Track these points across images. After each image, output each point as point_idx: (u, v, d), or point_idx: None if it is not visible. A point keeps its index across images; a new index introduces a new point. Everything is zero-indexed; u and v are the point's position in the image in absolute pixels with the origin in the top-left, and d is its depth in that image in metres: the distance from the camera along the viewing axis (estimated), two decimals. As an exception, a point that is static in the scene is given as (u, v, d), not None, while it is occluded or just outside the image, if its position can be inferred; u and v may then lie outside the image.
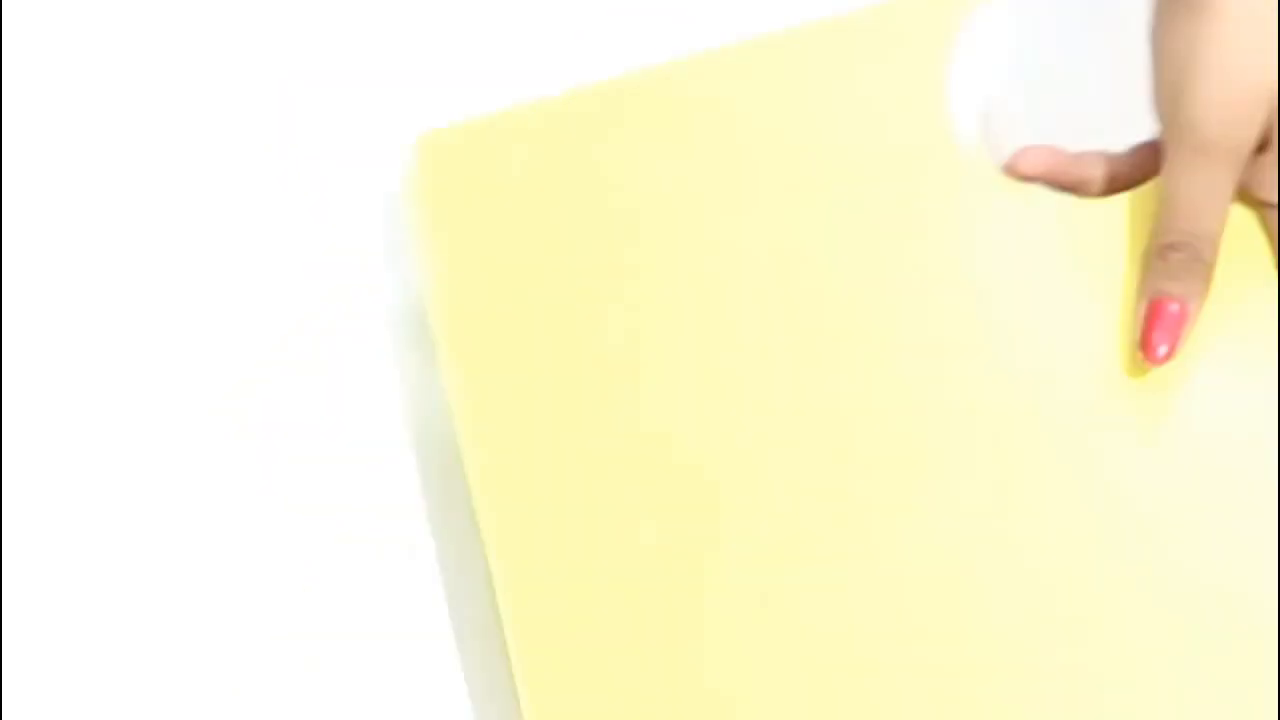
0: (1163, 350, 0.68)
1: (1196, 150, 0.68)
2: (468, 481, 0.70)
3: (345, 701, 0.72)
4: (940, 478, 0.68)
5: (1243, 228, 0.69)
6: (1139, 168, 0.72)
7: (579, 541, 0.68)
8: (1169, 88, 0.69)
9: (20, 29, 0.76)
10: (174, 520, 0.73)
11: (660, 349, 0.70)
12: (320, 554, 0.73)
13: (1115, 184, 0.72)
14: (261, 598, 0.72)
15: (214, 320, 0.74)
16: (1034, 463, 0.68)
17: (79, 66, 0.77)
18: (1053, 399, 0.69)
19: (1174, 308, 0.68)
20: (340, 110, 0.77)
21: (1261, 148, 0.68)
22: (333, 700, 0.72)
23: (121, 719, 0.72)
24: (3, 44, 0.76)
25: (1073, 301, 0.70)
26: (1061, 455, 0.68)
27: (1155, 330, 0.68)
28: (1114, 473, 0.68)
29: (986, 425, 0.68)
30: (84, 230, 0.75)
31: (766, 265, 0.71)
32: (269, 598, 0.72)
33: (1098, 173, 0.72)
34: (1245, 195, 0.69)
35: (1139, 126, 0.71)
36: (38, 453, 0.73)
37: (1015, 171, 0.72)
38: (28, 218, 0.75)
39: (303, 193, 0.77)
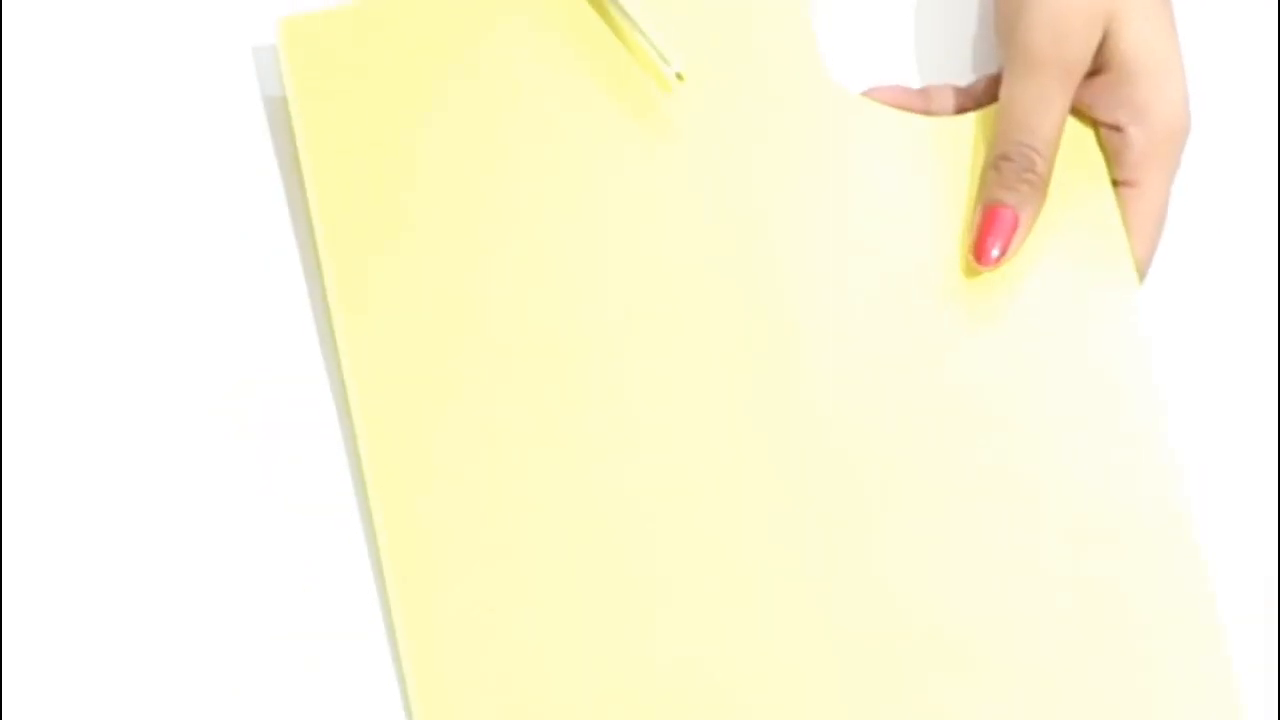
0: (995, 252, 0.72)
1: (1029, 66, 0.72)
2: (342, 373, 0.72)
3: (346, 701, 0.72)
4: (793, 379, 0.72)
5: (1082, 145, 0.74)
6: (986, 98, 0.75)
7: (453, 434, 0.72)
8: (1008, 8, 0.73)
9: None
10: (173, 520, 0.73)
11: (530, 230, 0.73)
12: (320, 554, 0.73)
13: (963, 112, 0.75)
14: (261, 597, 0.72)
15: (214, 320, 0.74)
16: (879, 363, 0.72)
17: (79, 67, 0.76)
18: (900, 301, 0.73)
19: (1006, 213, 0.72)
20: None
21: (1097, 71, 0.73)
22: (333, 700, 0.72)
23: (121, 718, 0.72)
24: None
25: (924, 211, 0.73)
26: (904, 354, 0.72)
27: (988, 235, 0.72)
28: (954, 371, 0.72)
29: (839, 325, 0.73)
30: (84, 230, 0.75)
31: (630, 173, 0.74)
32: (269, 597, 0.72)
33: (947, 104, 0.75)
34: (1085, 115, 0.73)
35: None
36: (37, 453, 0.73)
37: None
38: (28, 217, 0.75)
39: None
